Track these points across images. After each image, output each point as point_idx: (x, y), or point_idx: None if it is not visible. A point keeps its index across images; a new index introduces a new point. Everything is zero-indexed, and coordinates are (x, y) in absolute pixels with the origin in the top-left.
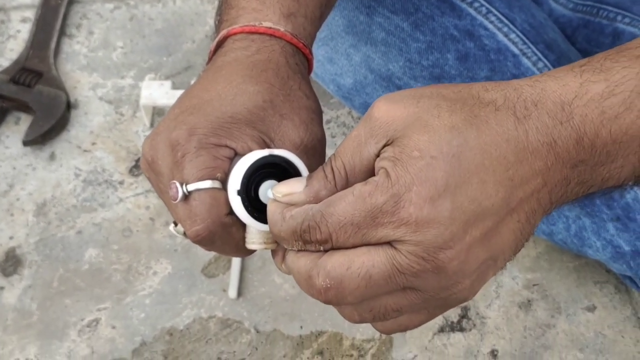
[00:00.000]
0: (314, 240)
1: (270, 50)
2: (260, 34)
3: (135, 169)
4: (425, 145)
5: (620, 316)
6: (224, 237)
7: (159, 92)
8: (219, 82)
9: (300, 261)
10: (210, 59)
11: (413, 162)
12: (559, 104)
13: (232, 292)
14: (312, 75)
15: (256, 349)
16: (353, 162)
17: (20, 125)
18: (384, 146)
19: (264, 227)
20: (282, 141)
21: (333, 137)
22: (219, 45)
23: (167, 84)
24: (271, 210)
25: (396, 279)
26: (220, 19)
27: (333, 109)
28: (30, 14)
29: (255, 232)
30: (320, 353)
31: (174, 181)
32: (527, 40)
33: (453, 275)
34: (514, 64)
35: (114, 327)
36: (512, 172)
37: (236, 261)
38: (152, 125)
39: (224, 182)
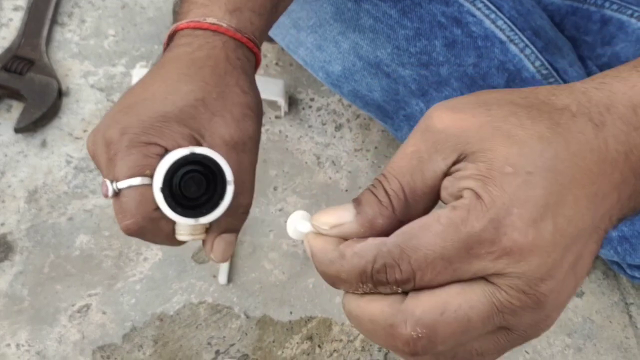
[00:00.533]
0: (392, 281)
1: (211, 47)
2: (204, 29)
3: None
4: (517, 160)
5: (608, 302)
6: (153, 231)
7: None
8: (156, 80)
9: (373, 307)
10: (163, 52)
11: (508, 179)
12: (630, 107)
13: (222, 278)
14: (302, 62)
15: (246, 334)
16: (414, 182)
17: (11, 112)
18: (454, 163)
19: (187, 221)
20: (212, 138)
21: (323, 124)
22: (170, 39)
23: None
24: (318, 247)
25: (494, 320)
26: (177, 12)
27: (323, 96)
28: (23, 3)
29: (183, 225)
30: (310, 338)
31: (105, 179)
32: (514, 27)
33: (549, 309)
34: (501, 51)
35: (104, 313)
36: (597, 187)
37: None
38: None
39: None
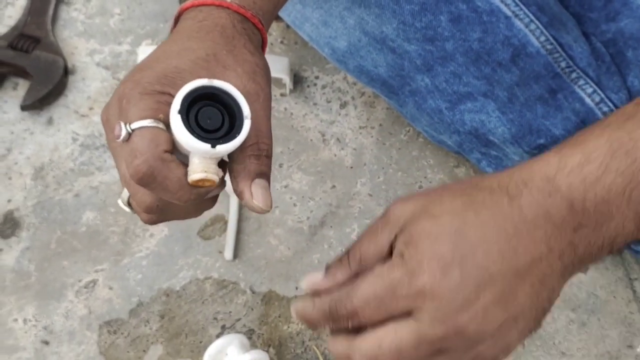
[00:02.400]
0: (342, 316)
1: (216, 17)
2: (208, 5)
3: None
4: (430, 228)
5: (612, 277)
6: (163, 173)
7: None
8: (166, 44)
9: (337, 344)
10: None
11: (422, 242)
12: (544, 179)
13: (228, 253)
14: (307, 38)
15: (252, 309)
16: (368, 248)
17: (18, 90)
18: (396, 235)
19: (203, 147)
20: None
21: (328, 102)
22: (176, 21)
23: None
24: (300, 305)
25: (424, 347)
26: None
27: (328, 74)
28: None
29: (196, 161)
30: None
31: (119, 122)
32: (519, 2)
33: (474, 335)
34: (507, 26)
35: (111, 288)
36: (515, 242)
37: (232, 223)
38: None
39: (167, 124)
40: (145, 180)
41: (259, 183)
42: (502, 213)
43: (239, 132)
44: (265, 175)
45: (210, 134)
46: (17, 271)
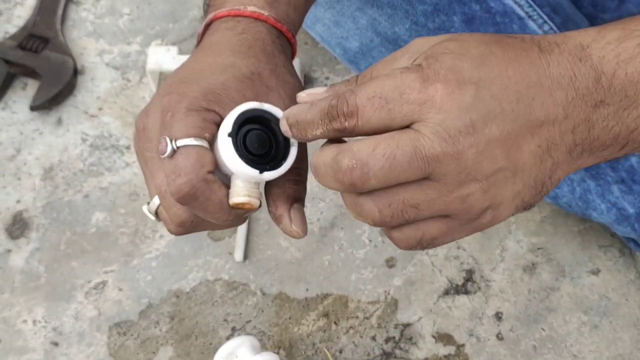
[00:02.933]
0: (341, 113)
1: (256, 31)
2: (246, 17)
3: None
4: (455, 47)
5: (624, 279)
6: (206, 193)
7: (165, 58)
8: (208, 56)
9: (325, 151)
10: (198, 41)
11: (443, 56)
12: (578, 45)
13: (238, 255)
14: (319, 39)
15: (262, 311)
16: (382, 70)
17: (27, 90)
18: (415, 60)
19: (251, 173)
20: None
21: None
22: (206, 28)
23: (174, 49)
24: (295, 108)
25: (418, 162)
26: (209, 4)
27: (339, 74)
28: None
29: (240, 184)
30: (326, 315)
31: (164, 137)
32: (533, 3)
33: (471, 165)
34: (520, 27)
35: (120, 290)
36: (534, 92)
37: (242, 225)
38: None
39: (210, 143)
40: (187, 200)
41: (297, 208)
42: (528, 59)
43: (285, 158)
44: (302, 200)
45: (256, 158)
46: (26, 272)
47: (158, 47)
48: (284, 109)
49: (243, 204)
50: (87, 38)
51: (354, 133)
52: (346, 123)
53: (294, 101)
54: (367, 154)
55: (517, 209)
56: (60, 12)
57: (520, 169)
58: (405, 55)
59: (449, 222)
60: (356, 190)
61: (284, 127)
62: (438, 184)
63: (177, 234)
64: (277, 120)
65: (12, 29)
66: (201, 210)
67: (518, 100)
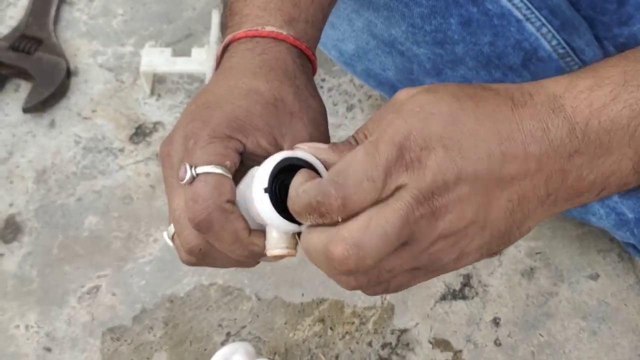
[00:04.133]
0: (331, 210)
1: (276, 51)
2: (264, 37)
3: (135, 136)
4: (426, 103)
5: (623, 284)
6: (222, 223)
7: (159, 59)
8: (230, 79)
9: (313, 236)
10: (218, 64)
11: (413, 115)
12: (551, 95)
13: None
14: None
15: (257, 316)
16: (373, 132)
17: (19, 92)
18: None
19: (290, 227)
20: (292, 138)
21: (335, 105)
22: (225, 50)
23: (168, 51)
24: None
25: (404, 231)
26: (226, 26)
27: (335, 76)
28: None
29: (276, 235)
30: (322, 320)
31: (184, 163)
32: (530, 6)
33: (442, 224)
34: (518, 30)
35: (114, 294)
36: (505, 148)
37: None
38: (152, 92)
39: (231, 171)
40: (203, 226)
41: None
42: (501, 114)
43: None
44: None
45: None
46: (19, 277)
47: (152, 49)
48: (307, 136)
49: (282, 256)
50: (80, 39)
51: (344, 218)
52: (339, 217)
53: (316, 126)
54: (360, 238)
55: (482, 257)
56: (53, 12)
57: (490, 223)
58: (388, 109)
59: (415, 272)
60: (351, 273)
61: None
62: (412, 247)
63: (188, 263)
64: (309, 166)
65: (5, 30)
66: (216, 239)
67: (489, 157)
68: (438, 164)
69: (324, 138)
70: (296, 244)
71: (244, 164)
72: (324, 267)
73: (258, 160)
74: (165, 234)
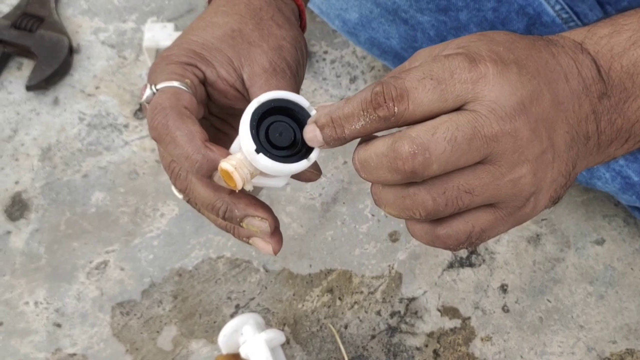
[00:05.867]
0: (388, 98)
1: None
2: None
3: (139, 112)
4: (481, 37)
5: (629, 249)
6: (178, 124)
7: (162, 34)
8: (196, 20)
9: (376, 143)
10: None
11: (476, 43)
12: (573, 42)
13: None
14: (317, 11)
15: (266, 287)
16: (416, 63)
17: (22, 70)
18: None
19: (250, 145)
20: (251, 66)
21: (338, 76)
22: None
23: (170, 26)
24: (326, 108)
25: (478, 143)
26: None
27: (337, 48)
28: None
29: (238, 156)
30: (330, 291)
31: (146, 83)
32: None
33: (525, 144)
34: None
35: (122, 269)
36: (556, 77)
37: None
38: None
39: (191, 90)
40: (160, 129)
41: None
42: (542, 48)
43: (310, 151)
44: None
45: (282, 151)
46: (26, 254)
47: (154, 24)
48: (266, 63)
49: (226, 172)
50: (81, 16)
51: (402, 120)
52: (395, 108)
53: (280, 54)
54: (427, 139)
55: (550, 200)
56: None
57: (558, 153)
58: (432, 53)
59: (496, 211)
60: (415, 178)
61: (309, 134)
62: (492, 167)
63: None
64: (295, 103)
65: (6, 9)
66: (172, 142)
67: (549, 82)
68: (515, 79)
69: (292, 67)
70: (246, 178)
71: (212, 98)
72: (386, 171)
73: (225, 94)
74: (173, 188)
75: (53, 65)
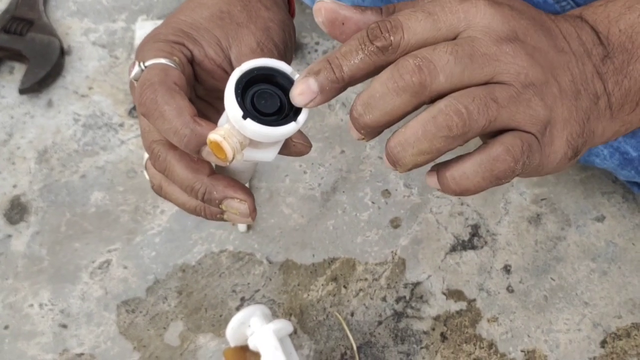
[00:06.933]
0: (384, 29)
1: None
2: None
3: (134, 110)
4: None
5: (629, 224)
6: (167, 99)
7: None
8: (185, 1)
9: (381, 74)
10: None
11: None
12: (570, 14)
13: (242, 225)
14: (308, 1)
15: (270, 279)
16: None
17: (14, 74)
18: None
19: (237, 111)
20: (239, 47)
21: None
22: None
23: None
24: (324, 57)
25: (478, 59)
26: None
27: (328, 39)
28: None
29: (226, 127)
30: (335, 279)
31: (134, 60)
32: None
33: (527, 64)
34: None
35: (125, 267)
36: (554, 34)
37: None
38: None
39: (179, 68)
40: (148, 103)
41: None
42: (538, 12)
43: (297, 114)
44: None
45: (267, 118)
46: (28, 256)
47: (145, 22)
48: (254, 44)
49: (215, 143)
50: (71, 18)
51: (399, 50)
52: (391, 37)
53: (268, 35)
54: (429, 53)
55: (568, 146)
56: None
57: (564, 93)
58: None
59: (526, 133)
60: (424, 93)
61: (300, 86)
62: (503, 85)
63: (155, 182)
64: (286, 76)
65: None
66: (160, 117)
67: (547, 31)
68: (506, 13)
69: (280, 48)
70: (237, 149)
71: (199, 78)
72: (393, 93)
73: (212, 74)
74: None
75: (45, 68)
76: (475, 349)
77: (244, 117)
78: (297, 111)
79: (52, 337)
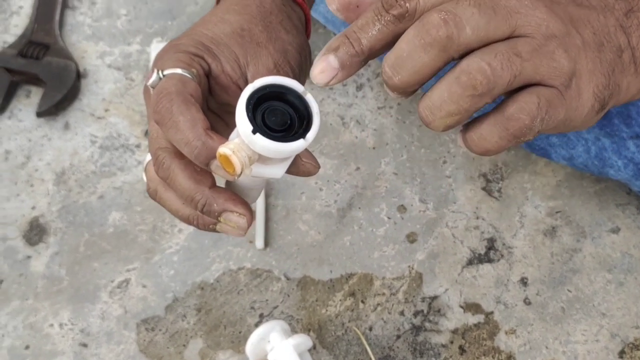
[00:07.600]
0: None
1: None
2: None
3: None
4: None
5: None
6: (182, 109)
7: None
8: (206, 16)
9: (404, 35)
10: None
11: None
12: None
13: (259, 242)
14: (322, 20)
15: (288, 295)
16: None
17: (31, 98)
18: None
19: (247, 127)
20: (256, 66)
21: (344, 85)
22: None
23: None
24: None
25: (501, 11)
26: None
27: None
28: None
29: (236, 141)
30: (352, 294)
31: (154, 68)
32: None
33: (547, 17)
34: None
35: (144, 286)
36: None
37: (260, 211)
38: None
39: (197, 80)
40: (163, 112)
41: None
42: None
43: (307, 130)
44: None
45: (278, 134)
46: (48, 277)
47: (160, 44)
48: (272, 65)
49: (224, 156)
50: (86, 42)
51: (416, 16)
52: (407, 4)
53: (285, 57)
54: (453, 6)
55: (595, 98)
56: (57, 17)
57: (587, 44)
58: None
59: (548, 88)
60: (452, 46)
61: (320, 65)
62: (526, 38)
63: (151, 187)
64: (297, 94)
65: (11, 39)
66: (174, 127)
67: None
68: None
69: (296, 71)
70: (246, 163)
71: (213, 92)
72: (421, 48)
73: (226, 89)
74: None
75: (62, 91)
76: None
77: (254, 131)
78: (306, 129)
79: (72, 357)
